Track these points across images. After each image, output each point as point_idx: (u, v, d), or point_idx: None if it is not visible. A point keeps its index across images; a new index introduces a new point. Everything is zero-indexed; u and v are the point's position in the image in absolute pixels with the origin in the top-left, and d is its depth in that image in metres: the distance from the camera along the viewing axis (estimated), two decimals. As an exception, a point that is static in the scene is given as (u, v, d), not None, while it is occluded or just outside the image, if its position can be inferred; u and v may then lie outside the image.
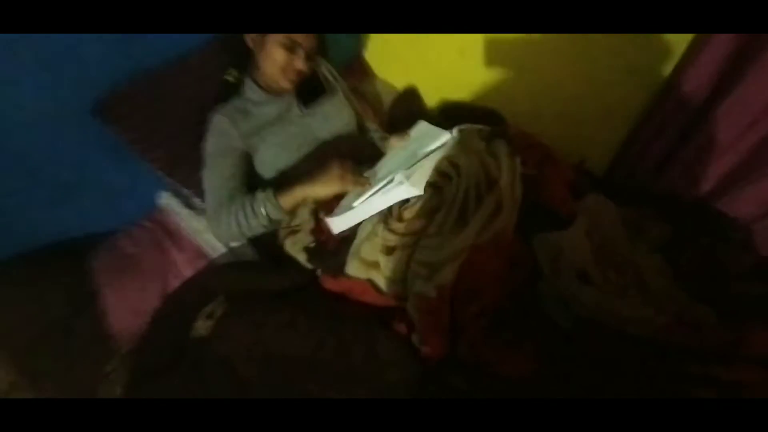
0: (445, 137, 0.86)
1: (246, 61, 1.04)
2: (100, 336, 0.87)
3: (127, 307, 0.92)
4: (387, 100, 1.59)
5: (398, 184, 0.77)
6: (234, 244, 1.05)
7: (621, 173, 1.31)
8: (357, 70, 1.62)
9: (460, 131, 0.87)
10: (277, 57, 0.97)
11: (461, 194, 0.76)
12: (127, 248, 0.99)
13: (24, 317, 0.86)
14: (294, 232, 0.98)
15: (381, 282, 0.81)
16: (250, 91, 1.04)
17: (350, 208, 0.85)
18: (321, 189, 0.90)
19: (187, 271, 0.99)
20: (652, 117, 1.16)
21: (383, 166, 0.94)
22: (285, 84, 1.01)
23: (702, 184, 1.11)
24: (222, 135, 0.98)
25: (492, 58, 1.39)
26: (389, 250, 0.78)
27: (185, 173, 1.04)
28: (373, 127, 1.22)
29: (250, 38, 0.99)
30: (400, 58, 1.60)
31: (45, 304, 0.88)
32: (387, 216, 0.81)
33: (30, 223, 0.90)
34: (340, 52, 1.56)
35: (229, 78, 1.03)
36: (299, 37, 0.97)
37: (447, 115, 1.55)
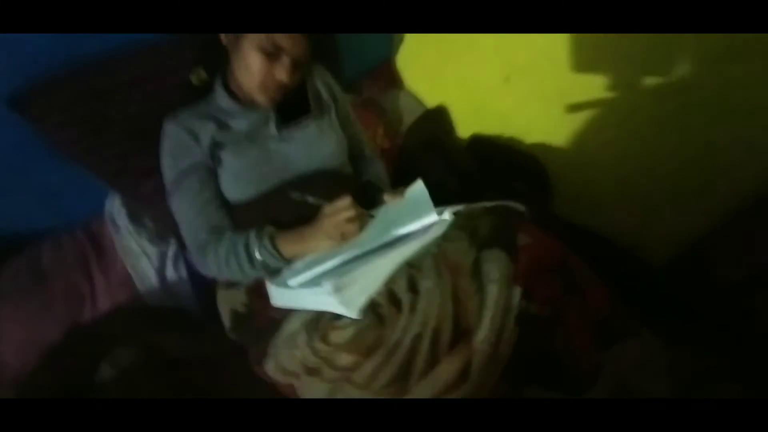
0: (431, 219, 0.60)
1: (219, 61, 0.83)
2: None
3: (22, 334, 0.77)
4: (409, 118, 1.33)
5: (326, 294, 0.54)
6: (171, 277, 0.87)
7: (688, 271, 0.99)
8: (383, 77, 1.38)
9: (456, 214, 0.61)
10: (254, 64, 0.74)
11: (409, 340, 0.51)
12: (45, 261, 0.84)
13: None
14: (231, 284, 0.78)
15: (305, 395, 0.59)
16: (220, 98, 0.84)
17: (296, 270, 0.64)
18: (329, 242, 0.66)
19: (105, 303, 0.82)
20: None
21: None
22: (261, 99, 0.79)
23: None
24: (182, 151, 0.78)
25: (544, 91, 1.10)
26: (311, 372, 0.56)
27: (130, 184, 0.87)
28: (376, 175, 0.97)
29: (223, 35, 0.78)
30: (436, 72, 1.33)
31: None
32: (314, 325, 0.58)
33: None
34: (367, 55, 1.33)
35: (194, 80, 0.83)
36: (284, 41, 0.74)
37: (475, 150, 1.29)
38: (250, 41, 0.74)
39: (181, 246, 0.88)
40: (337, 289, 0.53)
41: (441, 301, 0.53)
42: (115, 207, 0.93)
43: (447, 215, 0.59)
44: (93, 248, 0.88)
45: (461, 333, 0.52)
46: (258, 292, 0.72)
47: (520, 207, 0.66)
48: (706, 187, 0.94)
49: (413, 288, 0.55)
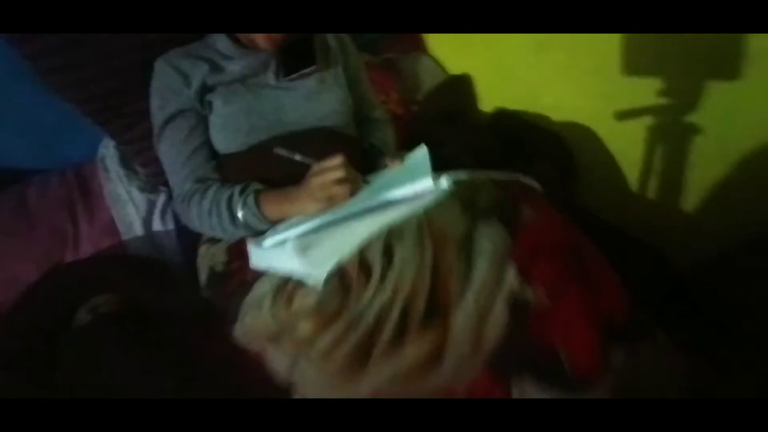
0: (425, 185, 0.53)
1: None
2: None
3: (1, 272, 0.75)
4: (429, 83, 1.23)
5: (290, 254, 0.47)
6: (157, 227, 0.83)
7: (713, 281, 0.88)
8: (404, 38, 1.28)
9: (456, 183, 0.53)
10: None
11: (373, 313, 0.45)
12: (31, 200, 0.81)
13: None
14: (214, 240, 0.73)
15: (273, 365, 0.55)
16: (218, 39, 0.77)
17: (277, 232, 0.58)
18: (317, 204, 0.60)
19: (87, 249, 0.79)
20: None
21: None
22: (262, 41, 0.72)
23: None
24: (171, 93, 0.72)
25: (579, 66, 0.98)
26: (272, 340, 0.50)
27: (122, 126, 0.82)
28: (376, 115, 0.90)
29: None
30: (462, 38, 1.22)
31: None
32: (281, 289, 0.52)
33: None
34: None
35: None
36: None
37: (497, 126, 1.18)
38: None
39: (171, 197, 0.84)
40: (302, 250, 0.47)
41: (417, 273, 0.46)
42: (108, 151, 0.89)
43: (444, 182, 0.51)
44: (80, 191, 0.84)
45: (438, 311, 0.45)
46: (239, 252, 0.67)
47: (534, 183, 0.58)
48: (749, 197, 0.82)
49: (388, 256, 0.48)
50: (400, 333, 0.44)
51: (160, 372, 0.62)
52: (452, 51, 1.28)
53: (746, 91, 0.74)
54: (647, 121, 0.90)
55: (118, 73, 0.77)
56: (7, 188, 0.83)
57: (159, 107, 0.73)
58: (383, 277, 0.47)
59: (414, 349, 0.43)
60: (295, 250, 0.47)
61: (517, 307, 0.45)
